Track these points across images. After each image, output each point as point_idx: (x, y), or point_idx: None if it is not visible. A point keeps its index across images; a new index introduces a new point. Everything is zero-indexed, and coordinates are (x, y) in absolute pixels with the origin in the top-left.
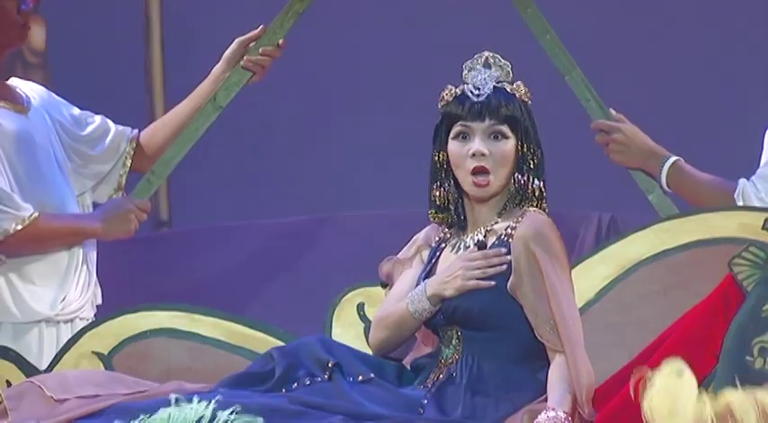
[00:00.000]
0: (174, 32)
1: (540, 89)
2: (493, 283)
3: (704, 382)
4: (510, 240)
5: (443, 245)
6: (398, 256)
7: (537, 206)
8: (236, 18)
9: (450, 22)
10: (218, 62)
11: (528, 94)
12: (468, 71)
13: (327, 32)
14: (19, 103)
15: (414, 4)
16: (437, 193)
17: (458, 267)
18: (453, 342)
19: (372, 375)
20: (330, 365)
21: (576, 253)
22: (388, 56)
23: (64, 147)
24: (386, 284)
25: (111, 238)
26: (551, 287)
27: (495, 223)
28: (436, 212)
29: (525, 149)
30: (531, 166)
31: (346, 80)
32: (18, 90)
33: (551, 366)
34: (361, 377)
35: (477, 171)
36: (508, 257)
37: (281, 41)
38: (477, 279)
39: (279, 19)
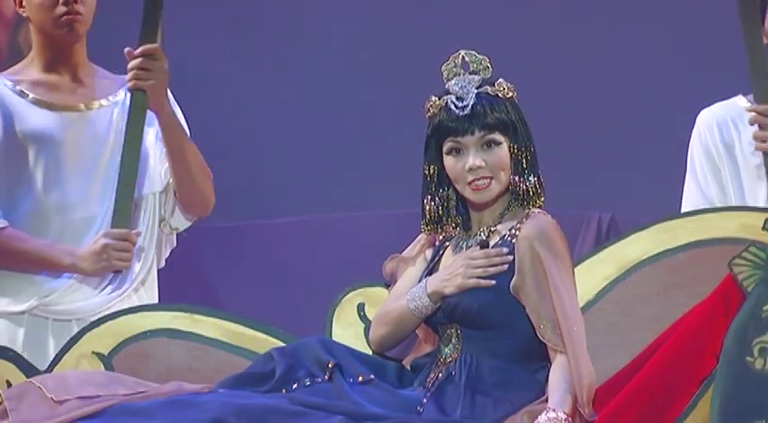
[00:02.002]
0: (173, 32)
1: (541, 90)
2: (493, 282)
3: (704, 382)
4: (513, 241)
5: (446, 244)
6: (402, 254)
7: (538, 202)
8: (235, 18)
9: (450, 22)
10: (217, 62)
11: (511, 89)
12: (448, 79)
13: (327, 32)
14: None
15: (417, 5)
16: (427, 206)
17: (459, 265)
18: (453, 340)
19: (372, 376)
20: (330, 366)
21: (576, 253)
22: (388, 55)
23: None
24: (389, 284)
25: (92, 275)
26: (554, 287)
27: (499, 224)
28: (426, 225)
29: (516, 150)
30: (525, 164)
31: (346, 79)
32: (95, 84)
33: (552, 366)
34: (360, 378)
35: (476, 180)
36: (510, 257)
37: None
38: (477, 278)
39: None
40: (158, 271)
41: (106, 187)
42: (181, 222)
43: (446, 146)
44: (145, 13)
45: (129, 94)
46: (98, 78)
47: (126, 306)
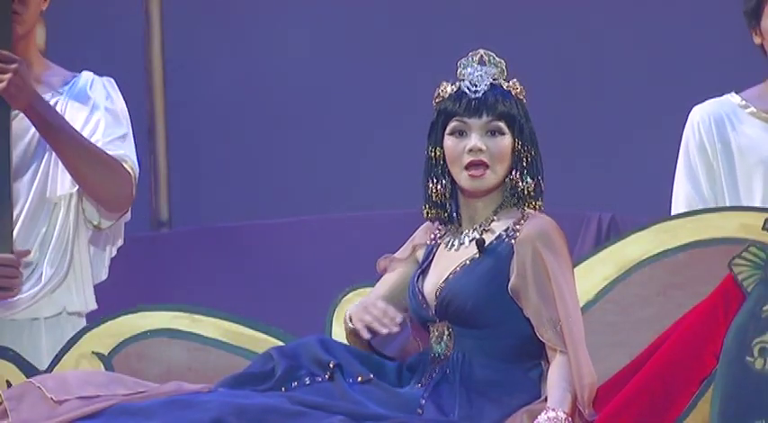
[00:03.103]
0: (174, 32)
1: (542, 90)
2: (368, 335)
3: (704, 382)
4: (512, 242)
5: (439, 242)
6: (395, 254)
7: (533, 204)
8: (236, 18)
9: (452, 23)
10: (216, 62)
11: (523, 93)
12: (464, 68)
13: (329, 32)
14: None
15: (421, 5)
16: (432, 188)
17: (359, 308)
18: (444, 338)
19: (371, 376)
20: (331, 366)
21: (576, 253)
22: (390, 56)
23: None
24: None
25: None
26: (557, 287)
27: (493, 221)
28: (430, 208)
29: (519, 147)
30: (525, 164)
31: (346, 80)
32: (41, 82)
33: (551, 366)
34: (360, 378)
35: (474, 165)
36: (395, 329)
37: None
38: (365, 327)
39: None
40: (159, 272)
41: (19, 188)
42: (101, 220)
43: (450, 126)
44: None
45: (70, 89)
46: (45, 77)
47: (48, 305)
